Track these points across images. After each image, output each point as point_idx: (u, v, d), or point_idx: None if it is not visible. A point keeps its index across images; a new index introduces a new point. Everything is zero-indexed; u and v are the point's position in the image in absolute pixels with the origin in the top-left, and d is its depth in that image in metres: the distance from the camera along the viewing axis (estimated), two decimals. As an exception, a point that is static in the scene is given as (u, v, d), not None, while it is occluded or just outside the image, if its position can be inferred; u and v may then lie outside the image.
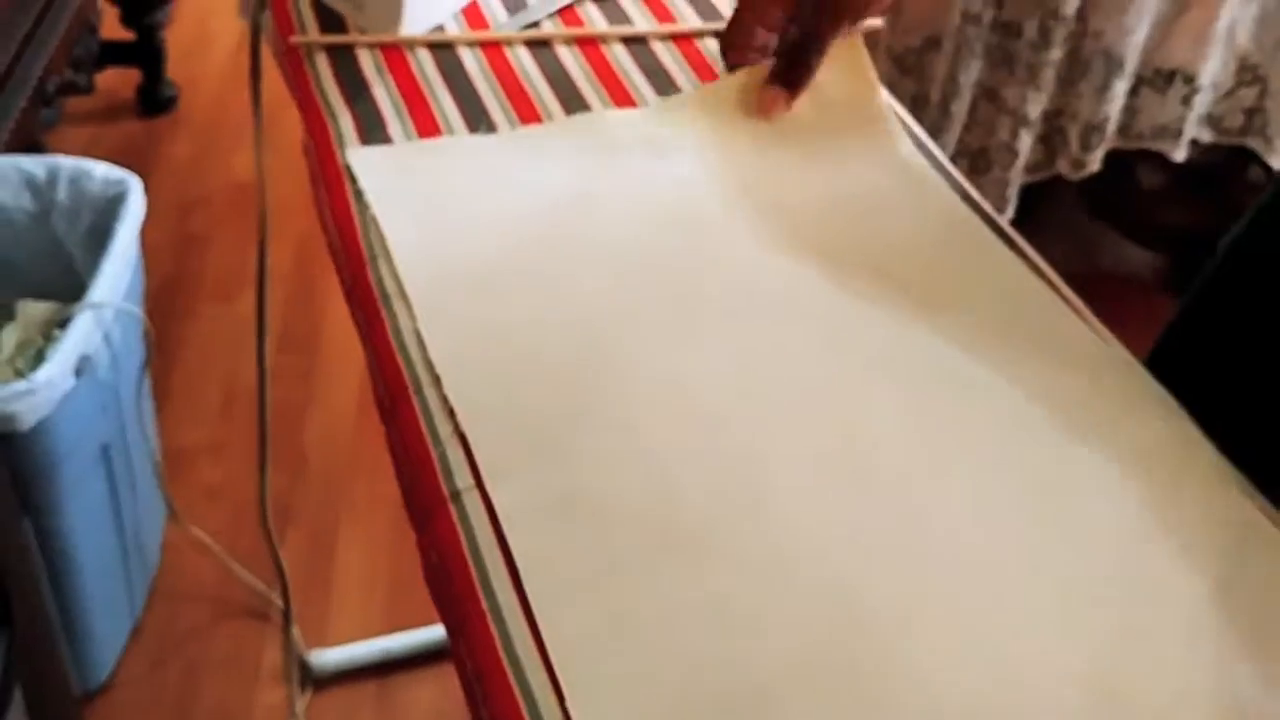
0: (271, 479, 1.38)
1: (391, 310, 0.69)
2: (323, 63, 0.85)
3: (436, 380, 0.64)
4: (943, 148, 1.73)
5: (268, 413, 1.29)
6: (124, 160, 1.46)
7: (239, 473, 1.65)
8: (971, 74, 1.69)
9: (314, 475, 1.69)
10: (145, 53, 2.14)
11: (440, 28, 0.90)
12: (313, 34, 0.87)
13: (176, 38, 2.26)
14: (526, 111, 0.83)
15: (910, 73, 1.74)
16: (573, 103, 0.85)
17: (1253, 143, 1.71)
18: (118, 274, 1.34)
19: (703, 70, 0.88)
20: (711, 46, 0.90)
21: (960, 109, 1.73)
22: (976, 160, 1.78)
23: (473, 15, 0.92)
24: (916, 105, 1.75)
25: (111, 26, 2.10)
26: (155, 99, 2.18)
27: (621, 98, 0.85)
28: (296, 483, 1.67)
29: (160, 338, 1.38)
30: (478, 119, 0.82)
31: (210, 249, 1.99)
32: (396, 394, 0.66)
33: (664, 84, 0.87)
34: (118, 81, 2.18)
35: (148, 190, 1.41)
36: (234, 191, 2.06)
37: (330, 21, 0.90)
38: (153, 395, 1.50)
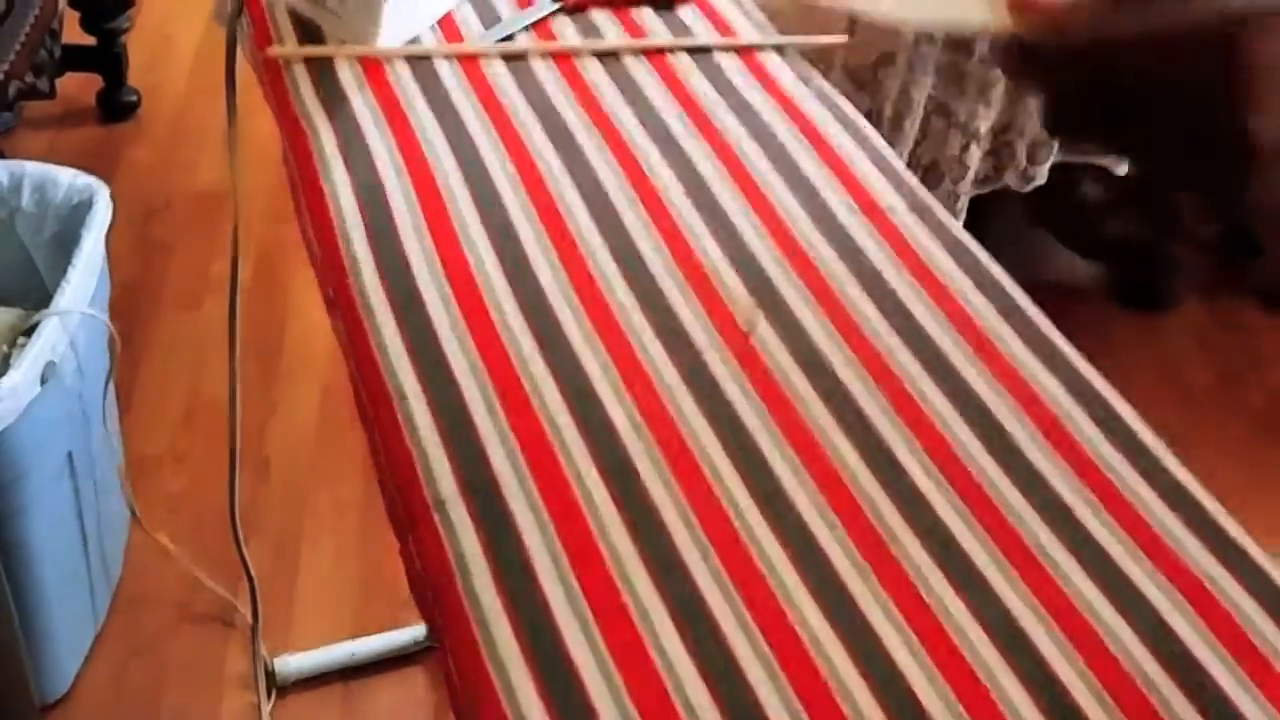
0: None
1: (374, 321, 0.71)
2: (301, 74, 0.87)
3: (419, 389, 0.66)
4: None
5: (237, 420, 1.30)
6: (85, 166, 1.46)
7: (202, 480, 1.66)
8: (924, 90, 1.73)
9: (276, 482, 1.69)
10: (106, 58, 2.13)
11: (417, 39, 0.92)
12: (291, 46, 0.89)
13: (138, 43, 2.25)
14: (503, 125, 0.86)
15: (865, 88, 1.78)
16: (548, 116, 0.87)
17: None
18: (84, 281, 1.34)
19: (678, 90, 0.91)
20: (683, 64, 0.93)
21: (913, 124, 1.77)
22: (928, 173, 1.82)
23: (449, 27, 0.95)
24: (871, 119, 1.79)
25: (73, 32, 2.09)
26: (116, 105, 2.18)
27: (595, 112, 0.88)
28: (259, 489, 1.67)
29: (124, 344, 1.39)
30: (456, 132, 0.84)
31: (173, 256, 1.99)
32: (379, 403, 0.68)
33: (637, 98, 0.90)
34: (79, 87, 2.18)
35: (110, 196, 1.41)
36: (196, 198, 2.06)
37: (308, 32, 0.92)
38: (117, 402, 1.50)
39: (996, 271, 0.80)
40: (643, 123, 0.88)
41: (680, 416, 0.67)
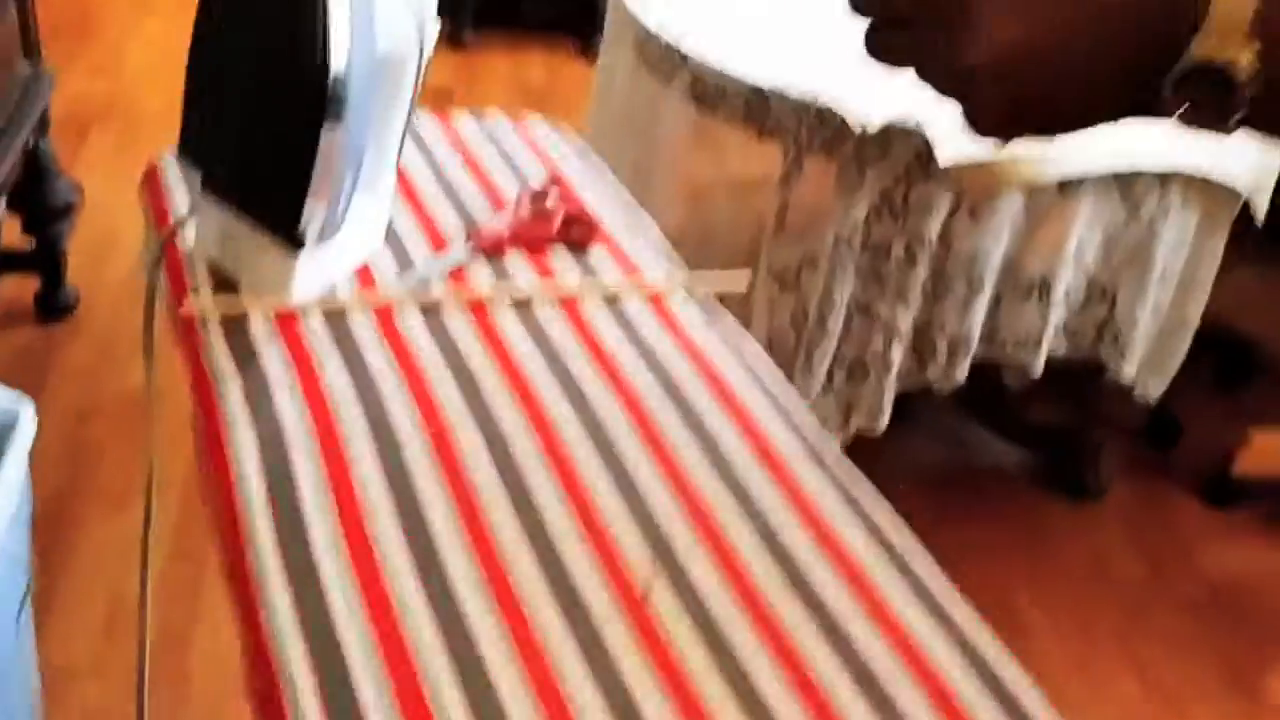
0: (151, 702, 1.35)
1: (267, 594, 0.71)
2: (215, 329, 0.89)
3: (311, 678, 0.66)
4: (821, 358, 1.83)
5: (148, 634, 1.27)
6: (20, 366, 1.46)
7: (122, 695, 1.61)
8: (846, 290, 1.79)
9: (196, 698, 1.65)
10: (46, 260, 2.15)
11: (334, 289, 0.95)
12: (205, 300, 0.91)
13: (80, 239, 2.28)
14: (414, 378, 0.87)
15: (789, 289, 1.84)
16: (458, 367, 0.89)
17: (1106, 356, 1.83)
18: (3, 504, 1.33)
19: (587, 338, 0.94)
20: (594, 311, 0.96)
21: (836, 323, 1.82)
22: (853, 370, 1.87)
23: (365, 275, 0.97)
24: (796, 319, 1.84)
25: (12, 233, 2.12)
26: (54, 305, 2.19)
27: (505, 362, 0.90)
28: (179, 707, 1.63)
29: (48, 548, 1.37)
30: (366, 389, 0.86)
31: (104, 457, 1.98)
32: (270, 688, 0.67)
33: (547, 346, 0.92)
34: (17, 286, 2.19)
35: (43, 397, 1.41)
36: (131, 399, 2.06)
37: (225, 283, 0.94)
38: (35, 611, 1.47)
39: (888, 523, 0.81)
40: (552, 372, 0.90)
41: (571, 688, 0.67)
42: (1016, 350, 1.84)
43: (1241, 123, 0.53)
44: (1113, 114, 0.56)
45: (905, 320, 1.80)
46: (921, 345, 1.86)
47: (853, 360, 1.87)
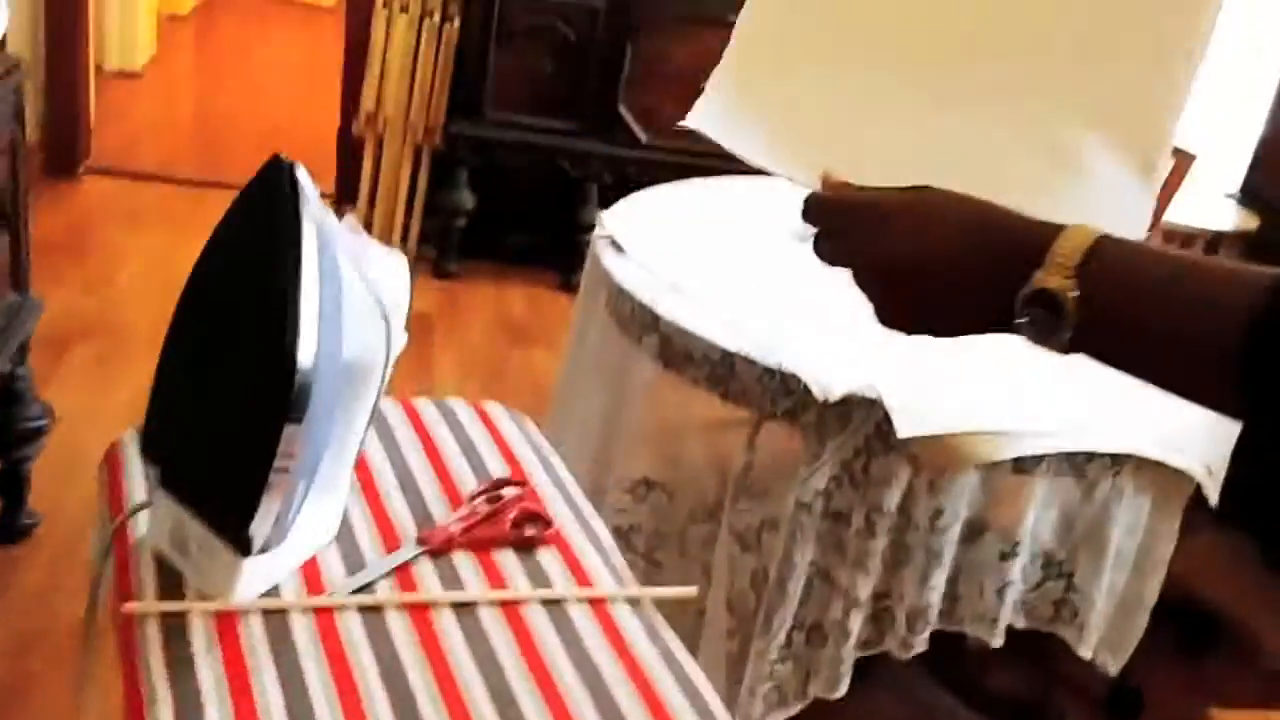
0: None
1: None
2: (153, 632, 0.88)
3: None
4: (780, 621, 1.83)
5: None
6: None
7: None
8: (806, 555, 1.79)
9: None
10: (10, 483, 2.15)
11: (277, 588, 0.95)
12: (148, 601, 0.91)
13: (49, 455, 2.28)
14: (346, 686, 0.87)
15: (750, 550, 1.85)
16: (393, 673, 0.89)
17: (1063, 632, 1.83)
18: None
19: (526, 643, 0.94)
20: (536, 616, 0.97)
21: (796, 587, 1.82)
22: (811, 634, 1.86)
23: (312, 572, 0.98)
24: (756, 580, 1.84)
25: (-25, 452, 2.12)
26: (13, 528, 2.17)
27: (440, 667, 0.90)
28: None
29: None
30: (297, 699, 0.85)
31: (36, 693, 1.93)
32: None
33: (484, 651, 0.92)
34: (-25, 508, 2.18)
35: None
36: (77, 630, 2.02)
37: (170, 578, 0.94)
38: None
39: None
40: (485, 677, 0.90)
41: None
42: (975, 623, 1.84)
43: (1073, 344, 0.66)
44: (980, 324, 0.70)
45: (865, 589, 1.80)
46: (880, 614, 1.85)
47: (811, 625, 1.86)
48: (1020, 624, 1.86)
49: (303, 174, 0.88)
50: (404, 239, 3.30)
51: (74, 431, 2.39)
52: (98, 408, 2.48)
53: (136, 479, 1.05)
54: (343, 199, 3.34)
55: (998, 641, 1.83)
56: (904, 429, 1.68)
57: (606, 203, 2.13)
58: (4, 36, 2.01)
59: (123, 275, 2.97)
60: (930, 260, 0.70)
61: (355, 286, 0.93)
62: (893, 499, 1.74)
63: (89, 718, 0.96)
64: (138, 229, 3.22)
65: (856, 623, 1.82)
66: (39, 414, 2.14)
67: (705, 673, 0.94)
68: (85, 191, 3.44)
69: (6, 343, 1.95)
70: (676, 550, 1.99)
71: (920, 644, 1.83)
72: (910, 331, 0.74)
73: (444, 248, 3.28)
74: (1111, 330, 0.65)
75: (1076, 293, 0.64)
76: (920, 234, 0.71)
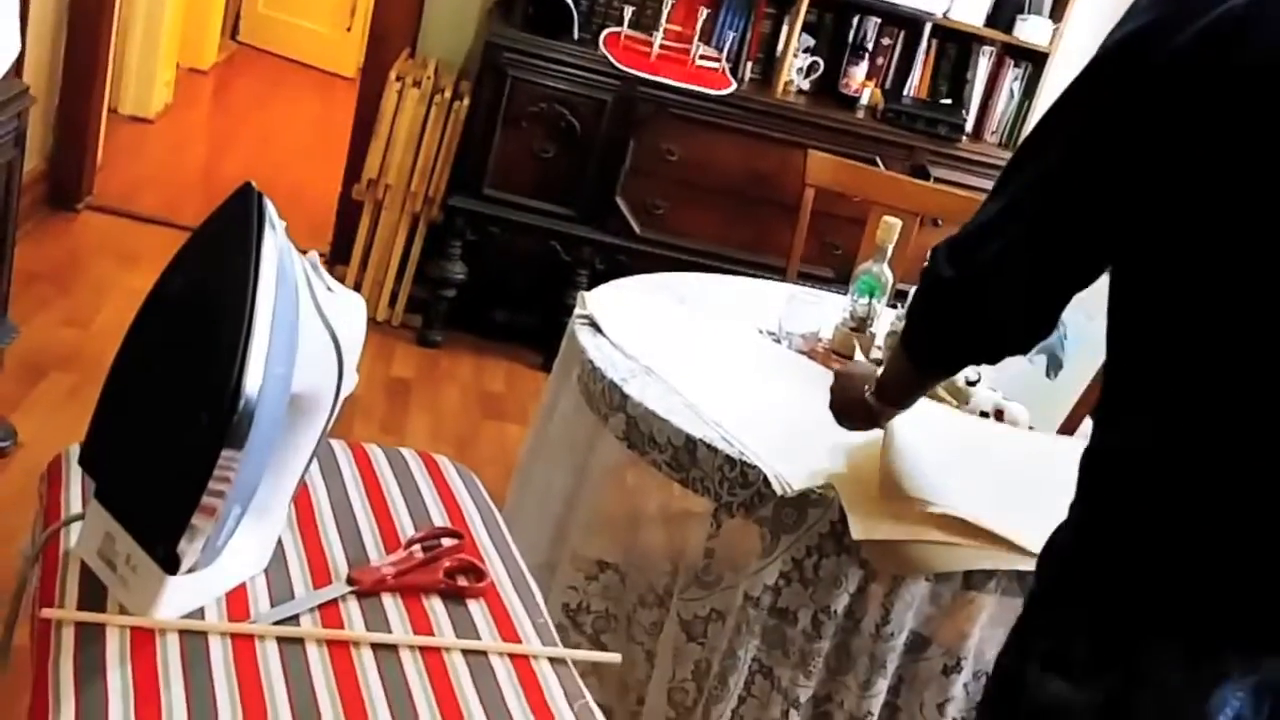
0: None
1: None
2: (67, 640, 0.88)
3: None
4: (718, 715, 1.80)
5: None
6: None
7: None
8: (750, 650, 1.78)
9: None
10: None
11: (201, 610, 0.95)
12: (69, 607, 0.91)
13: (6, 479, 2.27)
14: (255, 715, 0.86)
15: (696, 639, 1.83)
16: (306, 711, 0.88)
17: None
18: None
19: (443, 690, 0.93)
20: (457, 664, 0.96)
21: (737, 681, 1.80)
22: (749, 732, 1.84)
23: (238, 599, 0.98)
24: (699, 671, 1.83)
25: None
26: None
27: (353, 706, 0.89)
28: None
29: None
30: (204, 718, 0.84)
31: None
32: None
33: (401, 698, 0.92)
34: (-72, 522, 2.16)
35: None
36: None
37: (92, 591, 0.94)
38: None
39: None
40: (398, 719, 0.89)
41: None
42: (914, 737, 1.82)
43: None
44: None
45: (806, 690, 1.78)
46: (820, 717, 1.83)
47: (749, 723, 1.84)
48: (961, 739, 1.84)
49: (270, 206, 0.90)
50: (392, 304, 3.32)
51: (35, 459, 2.37)
52: (63, 439, 2.47)
53: (76, 491, 1.06)
54: (336, 260, 3.38)
55: (936, 755, 1.81)
56: (857, 532, 1.68)
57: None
58: (14, 65, 2.05)
59: (107, 311, 2.98)
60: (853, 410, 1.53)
61: (311, 321, 0.95)
62: (841, 601, 1.74)
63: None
64: (129, 269, 3.24)
65: (795, 723, 1.80)
66: (2, 434, 2.14)
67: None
68: (82, 227, 3.47)
69: (-22, 362, 1.95)
70: (624, 633, 1.98)
71: (856, 753, 1.81)
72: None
73: (430, 317, 3.31)
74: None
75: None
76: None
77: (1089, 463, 1.13)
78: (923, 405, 1.54)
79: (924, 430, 1.70)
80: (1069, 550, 1.13)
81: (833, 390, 1.59)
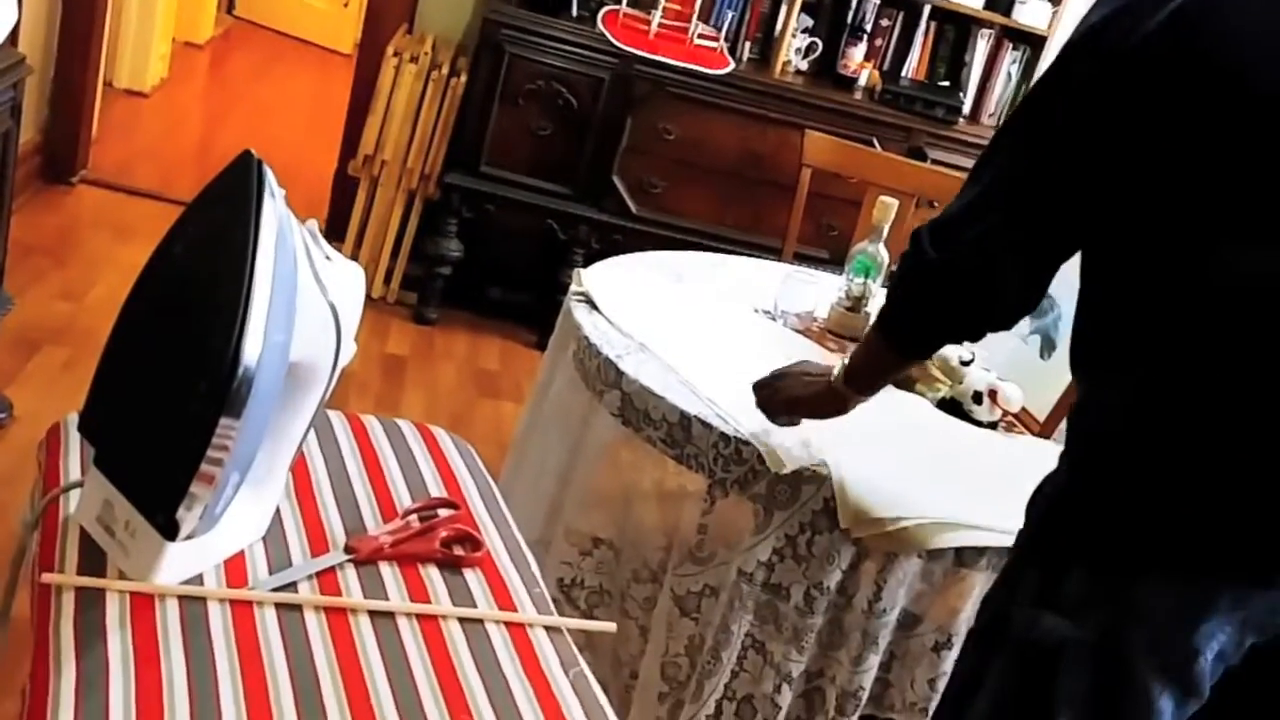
0: None
1: None
2: (67, 604, 0.89)
3: None
4: (711, 689, 1.82)
5: None
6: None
7: None
8: (743, 626, 1.79)
9: None
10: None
11: (199, 577, 0.96)
12: (69, 573, 0.92)
13: (1, 452, 2.28)
14: (254, 679, 0.87)
15: (689, 615, 1.84)
16: (303, 672, 0.89)
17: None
18: None
19: (440, 657, 0.94)
20: (454, 631, 0.97)
21: (730, 656, 1.82)
22: (741, 706, 1.85)
23: (236, 566, 0.98)
24: (692, 646, 1.84)
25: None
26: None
27: (351, 672, 0.90)
28: None
29: None
30: (202, 685, 0.85)
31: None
32: None
33: (397, 661, 0.92)
34: (-77, 491, 2.17)
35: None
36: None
37: (91, 558, 0.94)
38: None
39: None
40: (394, 685, 0.90)
41: None
42: (905, 711, 1.83)
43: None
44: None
45: (798, 665, 1.80)
46: (811, 692, 1.85)
47: (742, 697, 1.85)
48: (949, 717, 1.85)
49: (270, 174, 0.90)
50: (387, 281, 3.32)
51: (29, 432, 2.38)
52: (58, 412, 2.48)
53: (74, 459, 1.06)
54: (331, 236, 3.38)
55: (926, 734, 1.83)
56: (846, 520, 1.69)
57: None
58: (11, 35, 2.04)
59: (102, 285, 2.98)
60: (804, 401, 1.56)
61: (310, 290, 0.95)
62: (833, 578, 1.75)
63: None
64: (124, 242, 3.24)
65: (787, 699, 1.81)
66: (-2, 407, 2.14)
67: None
68: (77, 200, 3.46)
69: (-26, 332, 1.95)
70: (617, 608, 1.99)
71: (847, 728, 1.82)
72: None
73: (425, 294, 3.31)
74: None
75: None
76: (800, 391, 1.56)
77: (1077, 413, 1.18)
78: (862, 413, 1.56)
79: (865, 448, 1.70)
80: (1060, 493, 1.17)
81: (784, 387, 1.59)
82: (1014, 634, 1.15)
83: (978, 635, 1.28)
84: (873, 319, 2.15)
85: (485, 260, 3.33)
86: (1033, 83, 1.17)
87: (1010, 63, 3.39)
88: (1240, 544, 1.06)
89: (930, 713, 1.83)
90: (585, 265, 2.18)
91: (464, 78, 3.20)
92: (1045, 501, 1.20)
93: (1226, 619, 1.07)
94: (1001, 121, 1.19)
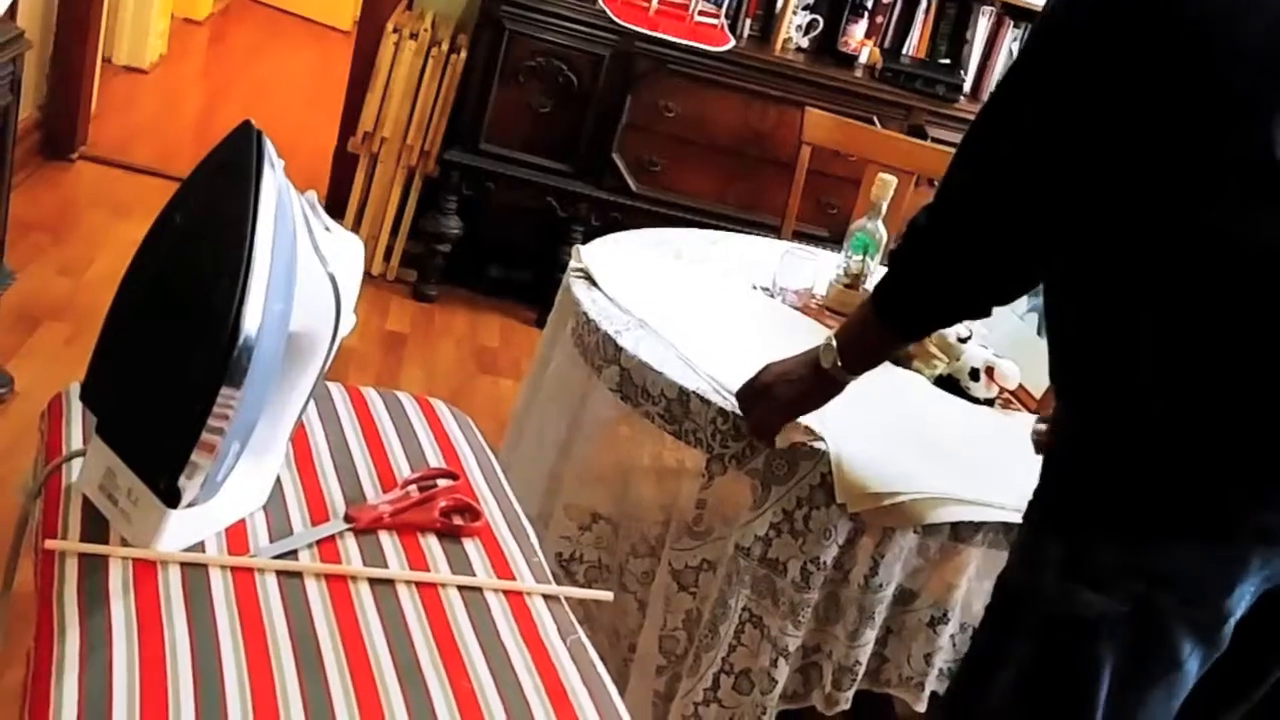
0: None
1: None
2: (71, 570, 0.90)
3: None
4: (709, 663, 1.83)
5: None
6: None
7: None
8: (740, 600, 1.80)
9: None
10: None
11: (201, 544, 0.96)
12: (72, 540, 0.92)
13: (0, 428, 2.28)
14: (255, 645, 0.88)
15: (686, 589, 1.85)
16: (304, 638, 0.90)
17: (987, 703, 1.84)
18: None
19: (439, 623, 0.95)
20: (453, 599, 0.98)
21: (727, 630, 1.83)
22: (739, 680, 1.86)
23: (237, 534, 0.99)
24: (690, 620, 1.85)
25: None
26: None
27: (351, 638, 0.91)
28: None
29: None
30: (205, 651, 0.86)
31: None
32: None
33: (396, 627, 0.93)
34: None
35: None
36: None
37: (95, 526, 0.95)
38: None
39: None
40: (394, 650, 0.91)
41: None
42: (901, 686, 1.85)
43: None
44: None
45: (795, 640, 1.81)
46: (808, 667, 1.86)
47: (740, 671, 1.86)
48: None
49: (270, 144, 0.91)
50: (387, 258, 3.33)
51: (30, 407, 2.39)
52: (58, 386, 2.48)
53: (76, 429, 1.07)
54: (331, 213, 3.38)
55: (922, 706, 1.84)
56: (843, 495, 1.70)
57: (590, 245, 2.16)
58: (10, 9, 2.04)
59: (101, 261, 2.98)
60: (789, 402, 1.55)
61: (309, 261, 0.96)
62: (830, 553, 1.76)
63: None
64: (123, 219, 3.24)
65: (784, 673, 1.83)
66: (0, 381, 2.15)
67: (631, 711, 0.95)
68: (77, 177, 3.46)
69: (-26, 306, 1.96)
70: (616, 583, 2.00)
71: (845, 701, 1.83)
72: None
73: (425, 271, 3.31)
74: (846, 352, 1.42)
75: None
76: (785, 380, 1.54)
77: (1088, 390, 1.18)
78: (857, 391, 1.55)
79: (862, 425, 1.70)
80: (1079, 461, 1.17)
81: (771, 399, 1.56)
82: (1044, 608, 1.16)
83: (999, 608, 1.29)
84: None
85: (485, 237, 3.33)
86: (1013, 61, 1.18)
87: (1011, 40, 3.39)
88: (1273, 508, 1.07)
89: (947, 688, 1.84)
90: (584, 243, 2.18)
91: (464, 54, 3.19)
92: (1061, 469, 1.20)
93: (1253, 580, 1.09)
94: (989, 95, 1.19)
